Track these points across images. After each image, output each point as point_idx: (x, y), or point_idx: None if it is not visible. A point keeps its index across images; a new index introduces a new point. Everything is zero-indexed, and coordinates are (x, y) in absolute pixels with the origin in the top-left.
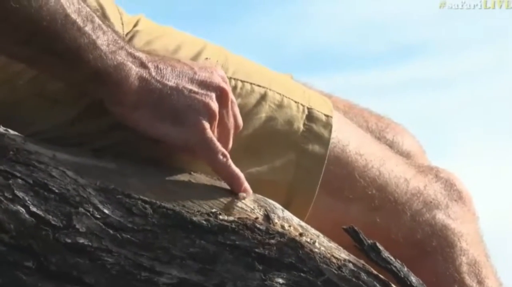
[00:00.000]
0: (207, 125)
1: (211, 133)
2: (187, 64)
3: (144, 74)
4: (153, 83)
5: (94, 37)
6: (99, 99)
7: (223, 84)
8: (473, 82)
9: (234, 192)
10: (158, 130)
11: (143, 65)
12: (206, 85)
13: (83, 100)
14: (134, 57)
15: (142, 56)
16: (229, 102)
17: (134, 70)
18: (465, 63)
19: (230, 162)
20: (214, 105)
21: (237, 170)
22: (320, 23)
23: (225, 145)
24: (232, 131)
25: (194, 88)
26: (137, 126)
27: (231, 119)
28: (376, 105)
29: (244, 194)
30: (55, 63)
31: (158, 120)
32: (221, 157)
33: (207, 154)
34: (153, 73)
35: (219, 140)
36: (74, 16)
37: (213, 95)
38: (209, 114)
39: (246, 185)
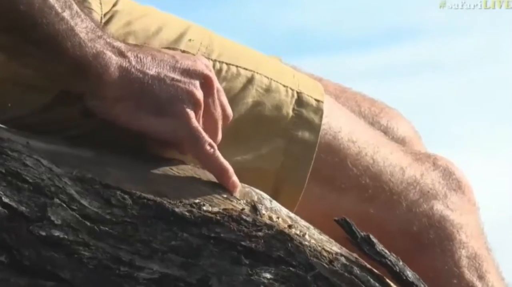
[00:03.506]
0: (192, 114)
1: (197, 123)
2: (168, 53)
3: (124, 64)
4: (134, 72)
5: (72, 23)
6: (80, 95)
7: (207, 72)
8: (468, 67)
9: (222, 186)
10: (142, 123)
11: (122, 54)
12: (189, 73)
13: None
14: (112, 46)
15: (121, 45)
16: (215, 90)
17: (113, 59)
18: (462, 48)
19: (218, 153)
20: (199, 93)
21: (225, 162)
22: (311, 3)
23: (213, 136)
24: (220, 122)
25: (177, 76)
26: (119, 120)
27: (218, 109)
28: (369, 90)
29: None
30: (36, 54)
31: (141, 112)
32: (208, 148)
33: (193, 144)
34: (133, 63)
35: (206, 131)
36: (52, 0)
37: (197, 83)
38: (193, 103)
39: (234, 178)
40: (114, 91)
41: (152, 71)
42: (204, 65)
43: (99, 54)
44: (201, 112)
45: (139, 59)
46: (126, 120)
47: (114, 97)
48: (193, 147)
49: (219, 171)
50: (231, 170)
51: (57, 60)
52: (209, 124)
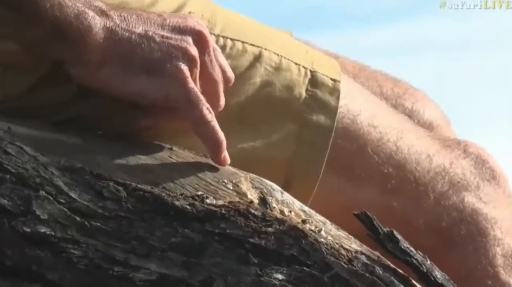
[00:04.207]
0: (187, 72)
1: (193, 83)
2: (154, 12)
3: (108, 23)
4: (119, 32)
5: None
6: (59, 62)
7: (199, 27)
8: (495, 46)
9: (212, 159)
10: (132, 86)
11: (104, 13)
12: (179, 30)
13: (42, 65)
14: (93, 6)
15: (102, 5)
16: (210, 48)
17: (97, 19)
18: (488, 25)
19: (215, 121)
20: (193, 50)
21: (221, 133)
22: None
23: (213, 100)
24: (220, 85)
25: (167, 33)
26: (107, 87)
27: (217, 68)
28: (391, 68)
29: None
30: (9, 17)
31: (130, 74)
32: (205, 112)
33: (189, 107)
34: (118, 21)
35: (205, 95)
36: None
37: (190, 39)
38: (188, 60)
39: (226, 154)
40: (99, 54)
41: (139, 30)
42: (195, 22)
43: (80, 14)
44: (197, 71)
45: (123, 18)
46: (113, 85)
47: (99, 60)
48: (188, 111)
49: (213, 141)
50: (225, 143)
51: (34, 23)
52: (208, 86)
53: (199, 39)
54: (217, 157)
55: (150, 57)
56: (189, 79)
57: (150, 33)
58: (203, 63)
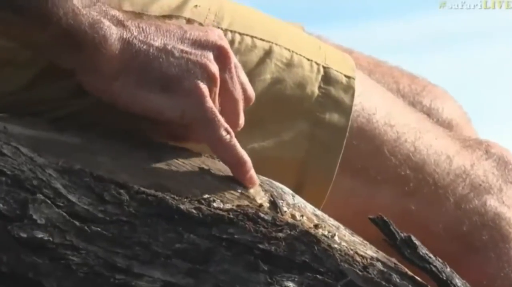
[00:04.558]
0: (206, 91)
1: (212, 103)
2: (174, 24)
3: (125, 34)
4: (136, 44)
5: None
6: (69, 70)
7: (221, 42)
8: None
9: (237, 181)
10: (146, 102)
11: (121, 24)
12: (200, 44)
13: (40, 60)
14: (109, 15)
15: (118, 14)
16: (232, 65)
17: (113, 29)
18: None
19: (235, 141)
20: (213, 67)
21: (243, 152)
22: None
23: (232, 120)
24: (241, 104)
25: (186, 48)
26: (118, 99)
27: (238, 87)
28: (407, 64)
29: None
30: (18, 21)
31: (145, 89)
32: (223, 134)
33: (206, 128)
34: (135, 33)
35: (223, 114)
36: None
37: (210, 55)
38: (207, 77)
39: (252, 172)
40: (113, 65)
41: (158, 43)
42: (217, 36)
43: (95, 23)
44: (216, 90)
45: (141, 29)
46: (126, 98)
47: (113, 73)
48: (205, 132)
49: (236, 163)
50: (249, 162)
51: (45, 29)
52: (228, 105)
53: (220, 55)
54: (241, 178)
55: (168, 72)
56: (208, 98)
57: (169, 47)
58: (223, 81)
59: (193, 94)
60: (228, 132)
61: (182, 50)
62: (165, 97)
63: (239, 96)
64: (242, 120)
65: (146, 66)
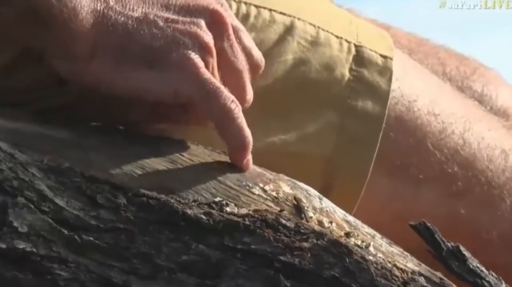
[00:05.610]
0: (199, 62)
1: (209, 73)
2: None
3: (99, 6)
4: (112, 16)
5: None
6: (38, 51)
7: (215, 6)
8: None
9: (233, 162)
10: (131, 82)
11: None
12: (188, 10)
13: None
14: None
15: None
16: (229, 30)
17: (84, 0)
18: None
19: (243, 118)
20: (205, 35)
21: (248, 133)
22: None
23: (238, 96)
24: (246, 75)
25: (172, 16)
26: (100, 83)
27: (240, 55)
28: (456, 43)
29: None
30: None
31: (127, 69)
32: (231, 105)
33: (209, 103)
34: (111, 3)
35: (227, 87)
36: None
37: (202, 22)
38: (200, 48)
39: (250, 158)
40: (86, 44)
41: (138, 13)
42: None
43: None
44: (213, 61)
45: None
46: (107, 81)
47: (87, 52)
48: (207, 106)
49: (239, 142)
50: (251, 145)
51: (8, 3)
52: (231, 78)
53: (214, 21)
54: (238, 161)
55: (151, 46)
56: (203, 69)
57: (151, 16)
58: (221, 51)
59: (184, 67)
60: (237, 105)
61: (167, 19)
62: (153, 74)
63: (243, 66)
64: (250, 94)
65: (125, 41)
